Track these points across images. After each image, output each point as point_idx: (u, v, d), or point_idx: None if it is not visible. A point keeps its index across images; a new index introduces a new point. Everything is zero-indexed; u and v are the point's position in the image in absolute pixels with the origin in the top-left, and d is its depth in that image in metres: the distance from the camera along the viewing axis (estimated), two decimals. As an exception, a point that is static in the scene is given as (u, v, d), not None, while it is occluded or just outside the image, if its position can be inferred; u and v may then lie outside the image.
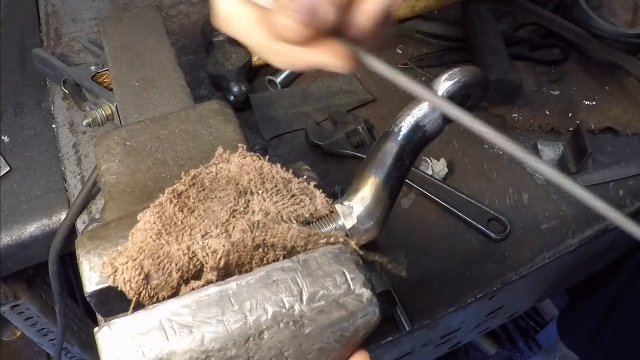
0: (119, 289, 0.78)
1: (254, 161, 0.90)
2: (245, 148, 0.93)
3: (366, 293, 0.78)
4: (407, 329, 1.29)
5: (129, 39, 1.35)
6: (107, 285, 0.79)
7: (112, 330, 0.76)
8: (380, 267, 0.90)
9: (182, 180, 0.87)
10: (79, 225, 1.45)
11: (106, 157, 1.04)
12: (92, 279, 0.80)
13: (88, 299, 0.81)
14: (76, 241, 0.84)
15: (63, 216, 1.49)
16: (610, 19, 1.87)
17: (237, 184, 0.87)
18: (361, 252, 0.84)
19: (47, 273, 1.51)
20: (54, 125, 1.64)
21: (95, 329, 0.76)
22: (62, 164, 1.57)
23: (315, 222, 0.87)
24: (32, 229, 1.50)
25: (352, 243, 0.84)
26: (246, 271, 0.80)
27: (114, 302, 0.82)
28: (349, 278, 0.78)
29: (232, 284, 0.76)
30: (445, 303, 1.36)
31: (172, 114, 1.10)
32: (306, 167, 0.96)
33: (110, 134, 1.07)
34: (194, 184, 0.87)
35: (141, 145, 1.05)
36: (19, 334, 2.69)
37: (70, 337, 2.13)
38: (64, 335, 1.73)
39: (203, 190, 0.87)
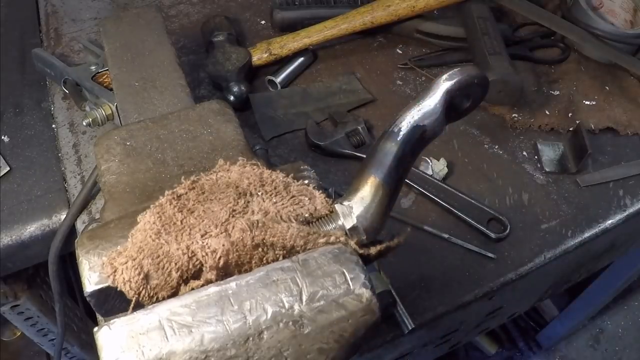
0: (118, 289, 0.79)
1: (253, 169, 0.90)
2: (245, 160, 0.93)
3: (366, 293, 0.78)
4: (409, 328, 1.29)
5: (129, 39, 1.35)
6: (106, 285, 0.79)
7: (111, 330, 0.76)
8: (382, 254, 0.89)
9: (182, 184, 0.87)
10: (79, 225, 1.45)
11: (106, 157, 1.04)
12: (91, 279, 0.80)
13: (88, 299, 0.81)
14: (76, 241, 0.84)
15: (63, 216, 1.49)
16: (610, 19, 1.87)
17: (236, 187, 0.87)
18: (361, 251, 0.84)
19: (47, 273, 1.51)
20: (54, 125, 1.64)
21: (95, 329, 0.76)
22: (62, 164, 1.57)
23: (315, 222, 0.87)
24: (32, 229, 1.50)
25: (352, 243, 0.84)
26: (245, 271, 0.80)
27: (114, 302, 0.82)
28: (348, 278, 0.78)
29: (231, 284, 0.76)
30: (445, 303, 1.36)
31: (172, 114, 1.10)
32: (306, 167, 0.96)
33: (110, 133, 1.07)
34: (193, 187, 0.87)
35: (141, 145, 1.05)
36: (19, 334, 2.69)
37: (70, 337, 2.13)
38: (63, 335, 1.72)
39: (203, 193, 0.87)
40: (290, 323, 0.74)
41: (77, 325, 2.20)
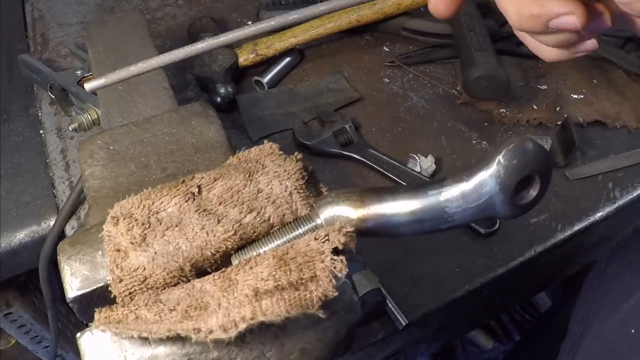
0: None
1: None
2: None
3: (347, 292, 0.78)
4: (404, 324, 1.29)
5: (113, 42, 1.35)
6: (89, 290, 0.79)
7: (94, 335, 0.76)
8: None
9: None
10: (68, 231, 1.45)
11: (90, 161, 1.04)
12: (73, 285, 0.80)
13: (70, 305, 0.81)
14: (58, 247, 0.84)
15: (52, 222, 1.49)
16: (597, 12, 1.87)
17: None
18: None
19: (39, 280, 1.51)
20: (41, 131, 1.64)
21: (78, 334, 0.76)
22: (50, 169, 1.56)
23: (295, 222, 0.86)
24: (21, 235, 1.50)
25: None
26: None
27: (97, 307, 0.82)
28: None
29: (213, 286, 0.76)
30: (436, 299, 1.35)
31: (155, 117, 1.10)
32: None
33: (93, 138, 1.07)
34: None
35: (124, 149, 1.05)
36: (13, 342, 2.69)
37: (64, 344, 2.13)
38: (57, 341, 1.72)
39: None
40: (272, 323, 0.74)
41: (71, 332, 2.19)
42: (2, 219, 1.50)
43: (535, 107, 1.69)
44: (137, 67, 0.83)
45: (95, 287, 0.79)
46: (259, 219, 0.81)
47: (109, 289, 0.79)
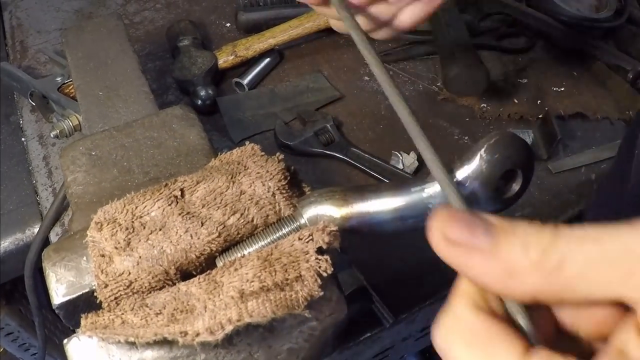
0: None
1: None
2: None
3: (334, 292, 0.78)
4: (390, 321, 1.29)
5: (91, 48, 1.35)
6: (74, 296, 0.79)
7: (81, 341, 0.76)
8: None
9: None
10: (53, 238, 1.44)
11: (72, 168, 1.03)
12: (59, 291, 0.79)
13: (57, 311, 0.81)
14: (42, 254, 0.83)
15: (36, 229, 1.48)
16: (576, 4, 1.88)
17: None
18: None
19: (25, 287, 1.50)
20: (23, 139, 1.63)
21: (65, 341, 0.76)
22: (33, 177, 1.56)
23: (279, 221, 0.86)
24: (6, 244, 1.49)
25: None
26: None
27: (83, 313, 0.81)
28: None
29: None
30: (423, 296, 1.35)
31: (136, 122, 1.09)
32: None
33: (75, 144, 1.07)
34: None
35: (106, 155, 1.04)
36: (0, 350, 2.68)
37: (52, 350, 2.12)
38: (45, 349, 1.71)
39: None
40: (259, 325, 0.74)
41: (58, 338, 2.18)
42: (-14, 227, 1.50)
43: (516, 101, 1.70)
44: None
45: (80, 293, 0.79)
46: (242, 220, 0.81)
47: (95, 294, 0.78)
